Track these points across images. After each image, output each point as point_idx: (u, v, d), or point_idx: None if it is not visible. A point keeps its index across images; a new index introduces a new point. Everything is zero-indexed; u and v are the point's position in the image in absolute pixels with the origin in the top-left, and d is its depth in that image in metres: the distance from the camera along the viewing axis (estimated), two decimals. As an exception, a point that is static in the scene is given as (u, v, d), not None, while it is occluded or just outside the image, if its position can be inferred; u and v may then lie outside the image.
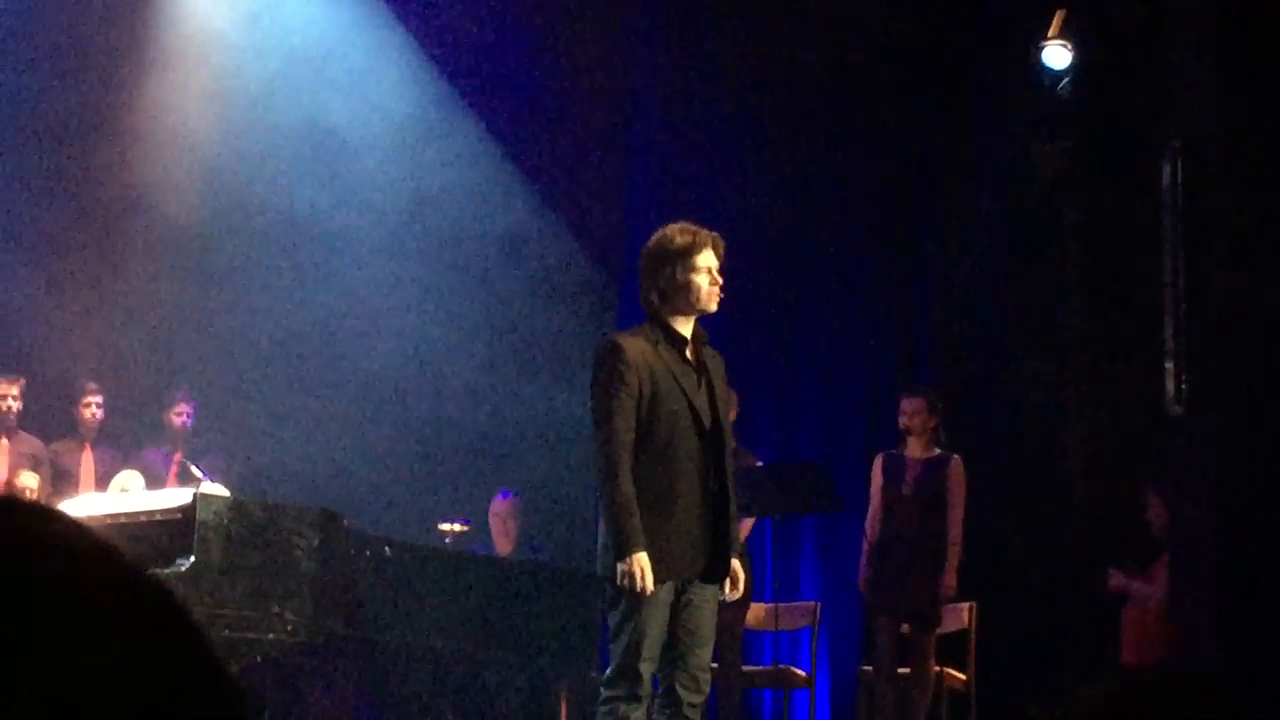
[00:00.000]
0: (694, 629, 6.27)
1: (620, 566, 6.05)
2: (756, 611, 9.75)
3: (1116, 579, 9.23)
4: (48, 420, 10.87)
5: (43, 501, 9.16)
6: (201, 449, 10.43)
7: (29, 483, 9.97)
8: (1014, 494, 10.02)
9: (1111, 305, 9.87)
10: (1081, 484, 9.97)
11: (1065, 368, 10.11)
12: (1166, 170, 7.92)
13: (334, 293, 11.61)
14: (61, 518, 0.92)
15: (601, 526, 6.22)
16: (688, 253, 6.28)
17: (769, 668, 9.75)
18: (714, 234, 6.36)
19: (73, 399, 10.74)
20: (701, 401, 6.30)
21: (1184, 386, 8.15)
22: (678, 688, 6.24)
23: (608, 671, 6.24)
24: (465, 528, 9.81)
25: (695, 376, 6.33)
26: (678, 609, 6.24)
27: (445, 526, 9.80)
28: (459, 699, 9.66)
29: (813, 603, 10.24)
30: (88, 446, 10.63)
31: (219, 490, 6.74)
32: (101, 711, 0.83)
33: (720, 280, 6.32)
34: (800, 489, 9.04)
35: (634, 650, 6.11)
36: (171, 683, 0.86)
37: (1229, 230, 7.99)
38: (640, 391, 6.20)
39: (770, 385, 11.52)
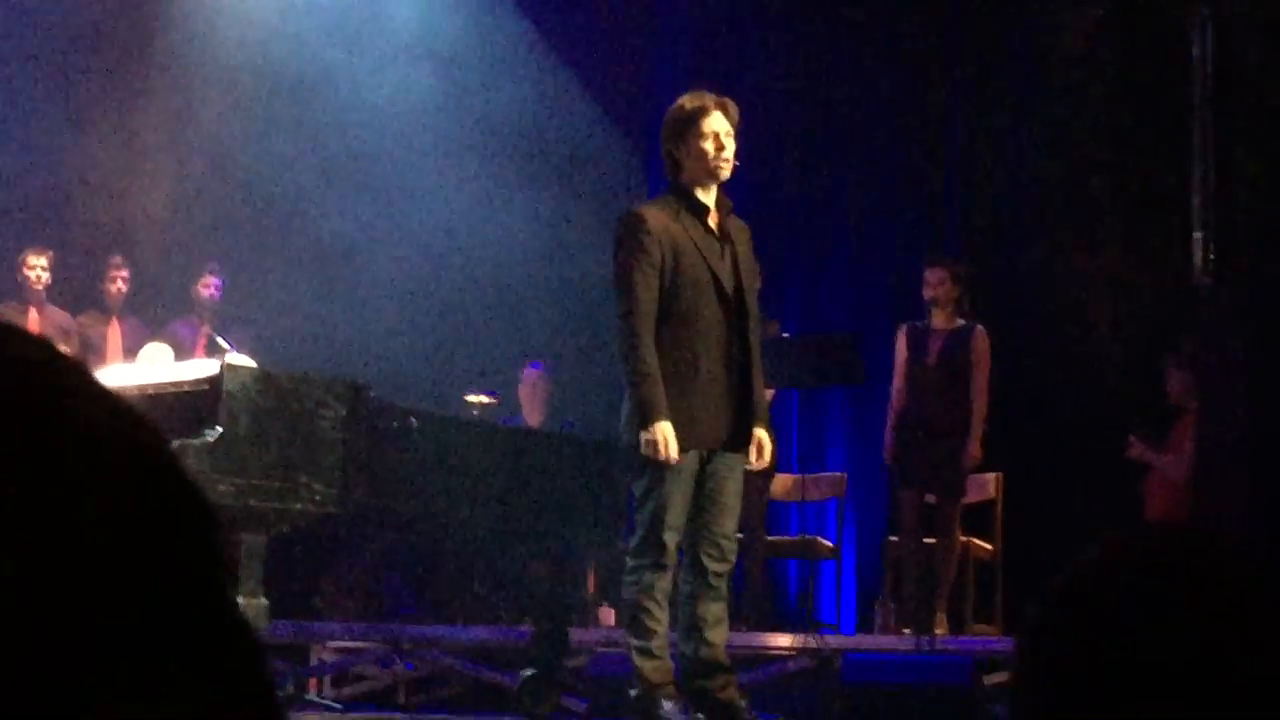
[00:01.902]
0: (719, 498, 6.29)
1: (644, 436, 6.07)
2: (783, 482, 9.78)
3: (1136, 448, 9.25)
4: (75, 293, 10.90)
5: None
6: (229, 322, 10.45)
7: (58, 355, 10.02)
8: (1040, 364, 10.01)
9: (1140, 176, 9.81)
10: (1108, 354, 9.95)
11: (1093, 238, 10.06)
12: (1196, 40, 7.84)
13: (362, 167, 11.58)
14: (91, 378, 0.92)
15: (626, 397, 6.23)
16: (696, 118, 6.26)
17: (795, 538, 9.80)
18: (724, 99, 6.32)
19: (99, 272, 10.76)
20: (725, 270, 6.29)
21: (1212, 256, 8.12)
22: (702, 556, 6.27)
23: (633, 541, 6.27)
24: (493, 400, 9.85)
25: (719, 245, 6.32)
26: (703, 478, 6.26)
27: (473, 398, 9.84)
28: (486, 570, 9.75)
29: (839, 474, 10.27)
30: (114, 319, 10.66)
31: (246, 361, 6.75)
32: (94, 556, 0.83)
33: (729, 146, 6.27)
34: (825, 361, 9.03)
35: (658, 519, 6.14)
36: (167, 541, 0.87)
37: (1258, 100, 7.92)
38: (662, 261, 6.19)
39: (798, 257, 11.50)
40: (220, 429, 6.02)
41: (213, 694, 0.86)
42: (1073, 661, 1.13)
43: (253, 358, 7.17)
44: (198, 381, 6.20)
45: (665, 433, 6.05)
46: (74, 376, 0.90)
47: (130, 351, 10.07)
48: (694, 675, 6.29)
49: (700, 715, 6.21)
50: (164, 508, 0.88)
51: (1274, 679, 1.08)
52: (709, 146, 6.26)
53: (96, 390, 0.90)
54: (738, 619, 9.07)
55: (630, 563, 6.27)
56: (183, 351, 9.63)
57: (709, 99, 6.33)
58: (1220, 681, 1.08)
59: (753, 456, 6.36)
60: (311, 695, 8.86)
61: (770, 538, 9.78)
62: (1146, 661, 1.09)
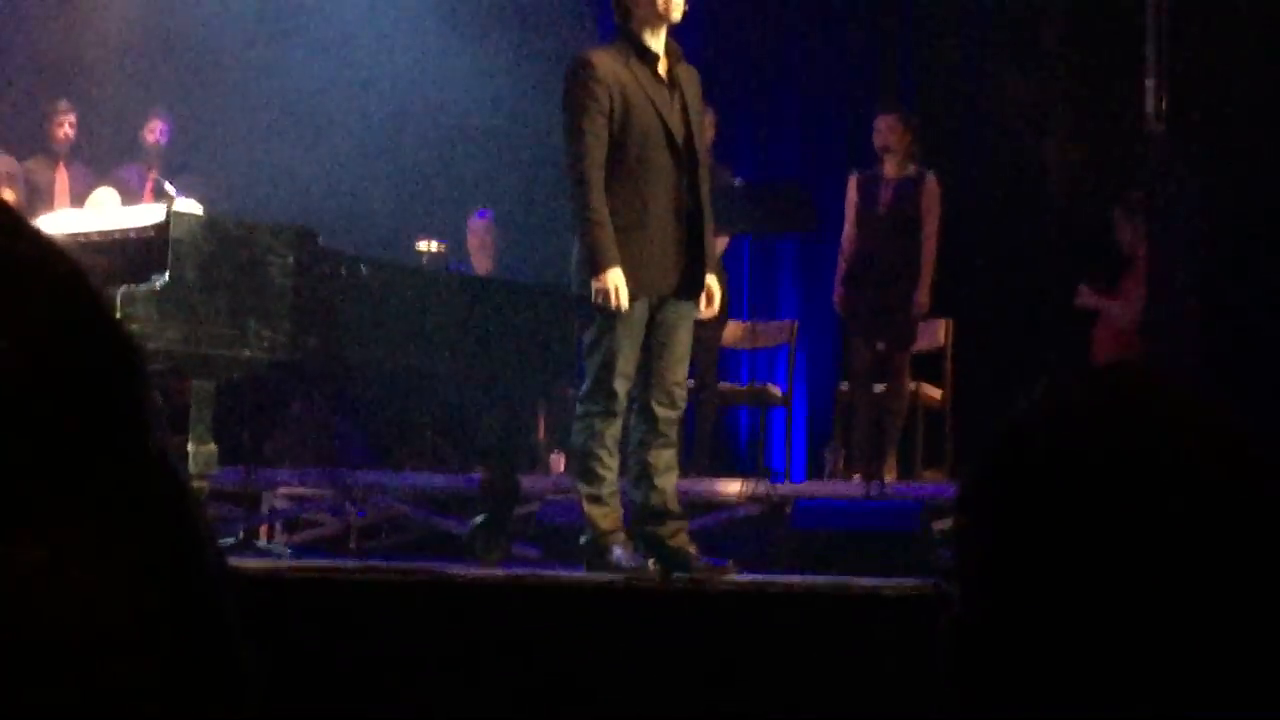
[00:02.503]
0: (669, 345, 6.30)
1: (594, 284, 6.07)
2: (734, 330, 9.79)
3: (1086, 296, 9.29)
4: (20, 138, 10.77)
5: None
6: (180, 170, 10.35)
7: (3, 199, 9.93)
8: (991, 212, 10.01)
9: (1093, 22, 9.76)
10: (1058, 201, 9.97)
11: (1045, 85, 10.03)
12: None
13: (311, 14, 11.44)
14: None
15: (575, 245, 6.21)
16: None
17: (746, 386, 9.84)
18: None
19: (45, 115, 10.63)
20: (674, 117, 6.26)
21: (1164, 103, 8.11)
22: (653, 403, 6.30)
23: (583, 388, 6.28)
24: (443, 247, 9.81)
25: (668, 92, 6.28)
26: (653, 325, 6.27)
27: (423, 245, 9.79)
28: (437, 416, 9.76)
29: (790, 322, 10.29)
30: (61, 164, 10.56)
31: (193, 207, 6.70)
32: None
33: None
34: (777, 208, 9.00)
35: (608, 367, 6.16)
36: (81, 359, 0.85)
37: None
38: (611, 107, 6.16)
39: (750, 104, 11.43)
40: (168, 275, 5.98)
41: (127, 532, 0.85)
42: (1015, 506, 1.13)
43: (203, 205, 7.11)
44: (144, 228, 6.16)
45: (615, 280, 6.05)
46: None
47: (78, 197, 9.99)
48: (644, 521, 6.33)
49: (650, 561, 6.25)
50: (80, 340, 0.86)
51: (1211, 517, 1.09)
52: (661, -11, 6.21)
53: (13, 223, 0.88)
54: (688, 466, 9.12)
55: (580, 410, 6.29)
56: (130, 196, 9.56)
57: (663, -58, 6.26)
58: (1159, 522, 1.08)
59: (703, 304, 6.37)
60: (261, 542, 8.90)
61: (721, 385, 9.80)
62: (1087, 503, 1.09)
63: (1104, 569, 1.08)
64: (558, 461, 9.64)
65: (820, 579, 5.93)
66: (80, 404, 0.85)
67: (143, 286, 5.93)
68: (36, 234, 0.89)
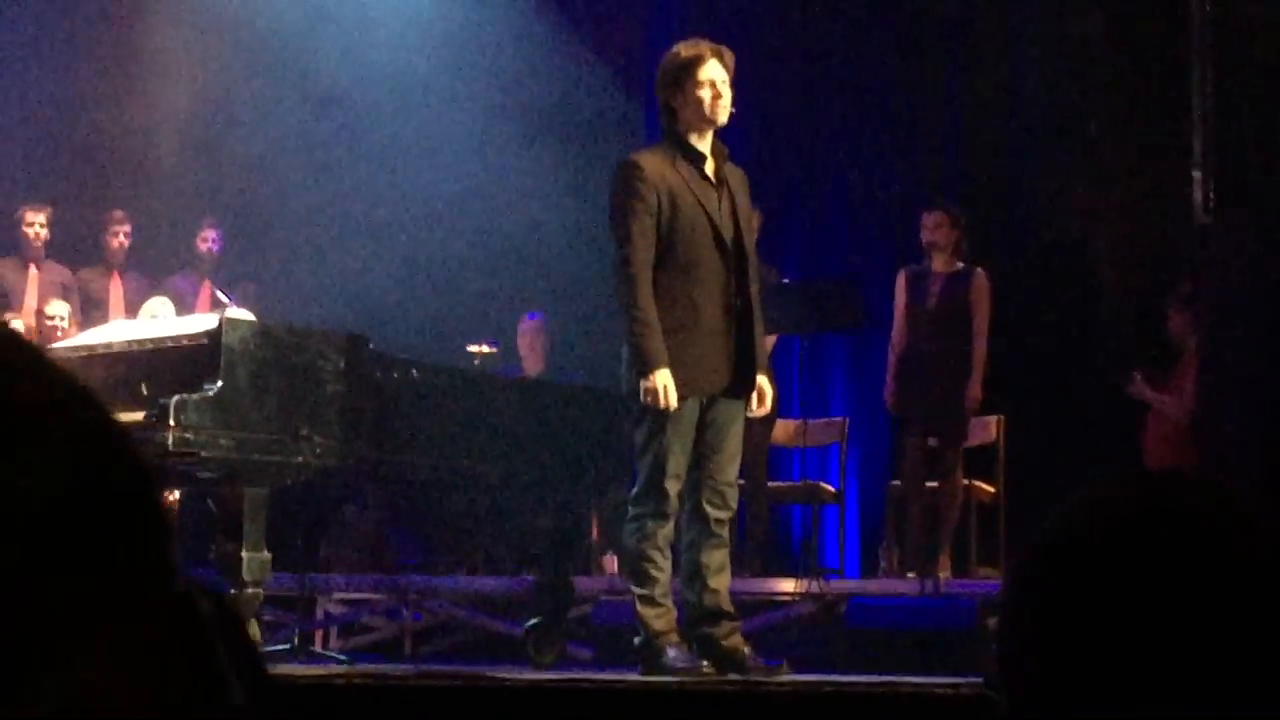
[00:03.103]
0: (719, 445, 6.30)
1: (643, 384, 6.08)
2: (785, 428, 9.79)
3: (1137, 387, 9.24)
4: (76, 248, 10.90)
5: (74, 331, 9.23)
6: (236, 278, 10.45)
7: (59, 311, 10.02)
8: (1041, 306, 10.01)
9: (1140, 114, 9.78)
10: (1109, 295, 9.95)
11: (1094, 178, 10.04)
12: (1195, -23, 7.83)
13: (361, 122, 11.56)
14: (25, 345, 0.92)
15: (625, 346, 6.23)
16: (692, 66, 6.26)
17: (798, 483, 9.81)
18: (719, 46, 6.33)
19: (101, 226, 10.76)
20: (722, 217, 6.29)
21: (1212, 195, 8.11)
22: (704, 504, 6.29)
23: (634, 490, 6.28)
24: (493, 349, 9.86)
25: (715, 192, 6.32)
26: (703, 426, 6.27)
27: (474, 348, 9.85)
28: (490, 520, 9.76)
29: (841, 419, 10.28)
30: (116, 274, 10.67)
31: (245, 315, 6.75)
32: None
33: (725, 93, 6.28)
34: (826, 306, 9.02)
35: (659, 468, 6.16)
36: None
37: (1258, 38, 7.90)
38: (659, 208, 6.19)
39: (798, 203, 11.48)
40: (220, 383, 6.02)
41: (146, 671, 0.86)
42: (1058, 606, 1.13)
43: (256, 313, 7.18)
44: (196, 336, 6.20)
45: (664, 381, 6.06)
46: (13, 352, 0.90)
47: (132, 306, 10.09)
48: (698, 622, 6.31)
49: (704, 662, 6.22)
50: (101, 481, 0.87)
51: (1256, 625, 1.08)
52: (705, 94, 6.26)
53: (35, 362, 0.90)
54: (741, 565, 9.10)
55: (632, 511, 6.28)
56: (183, 306, 9.65)
57: (705, 46, 6.33)
58: (1203, 627, 1.08)
59: (754, 404, 6.37)
60: (317, 647, 8.89)
61: (773, 483, 9.79)
62: (1131, 607, 1.09)
63: (1147, 677, 1.08)
64: (611, 562, 9.64)
65: (873, 679, 5.89)
66: (100, 544, 0.86)
67: (195, 395, 5.96)
68: (58, 373, 0.90)
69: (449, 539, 10.41)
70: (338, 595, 9.79)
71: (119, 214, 10.75)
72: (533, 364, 10.43)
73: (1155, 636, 1.08)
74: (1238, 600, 1.09)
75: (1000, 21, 10.76)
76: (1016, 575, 1.17)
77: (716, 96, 6.26)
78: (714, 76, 6.28)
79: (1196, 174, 8.15)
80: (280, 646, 8.02)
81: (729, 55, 6.35)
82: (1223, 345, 8.23)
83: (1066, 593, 1.12)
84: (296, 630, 8.54)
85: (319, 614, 9.75)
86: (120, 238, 10.69)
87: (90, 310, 10.34)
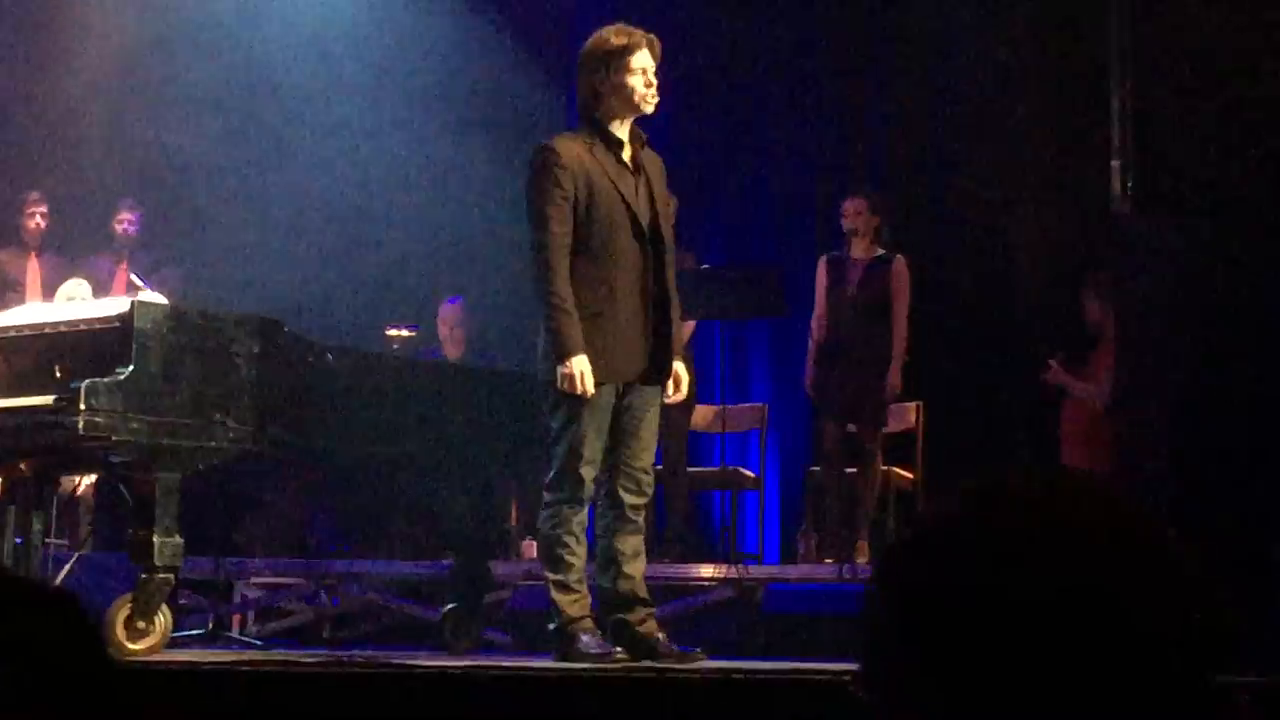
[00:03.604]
0: (636, 431, 6.29)
1: (560, 370, 6.07)
2: (705, 414, 9.79)
3: (1054, 373, 9.29)
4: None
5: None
6: (154, 262, 10.35)
7: (-26, 292, 9.93)
8: (960, 294, 10.04)
9: (1060, 104, 9.82)
10: (1027, 282, 10.00)
11: (1014, 166, 10.07)
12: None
13: (279, 105, 11.48)
14: None
15: (541, 331, 6.22)
16: (623, 54, 6.24)
17: (718, 469, 9.82)
18: (650, 35, 6.31)
19: (17, 207, 10.64)
20: (640, 204, 6.28)
21: (1130, 184, 8.16)
22: (620, 490, 6.28)
23: (549, 476, 6.27)
24: (414, 333, 9.83)
25: (633, 178, 6.30)
26: (619, 412, 6.26)
27: (393, 332, 9.81)
28: (409, 504, 9.74)
29: (761, 405, 10.29)
30: (33, 255, 10.56)
31: (157, 299, 6.70)
32: None
33: (655, 83, 6.27)
34: (747, 292, 9.03)
35: (575, 454, 6.15)
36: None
37: (1177, 29, 7.95)
38: (576, 194, 6.18)
39: (719, 189, 11.47)
40: (131, 366, 5.97)
41: None
42: (913, 602, 1.12)
43: (177, 298, 7.13)
44: (108, 319, 6.15)
45: (580, 367, 6.05)
46: None
47: (49, 288, 9.98)
48: (612, 608, 6.30)
49: (618, 648, 6.22)
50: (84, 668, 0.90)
51: (1108, 627, 1.08)
52: (637, 82, 6.25)
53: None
54: (661, 550, 9.11)
55: (546, 497, 6.27)
56: (100, 288, 9.55)
57: (638, 34, 6.31)
58: (1052, 627, 1.08)
59: (669, 390, 6.37)
60: (234, 632, 8.84)
61: (693, 469, 9.79)
62: (980, 601, 1.09)
63: (997, 669, 1.07)
64: (530, 548, 9.61)
65: (789, 665, 5.90)
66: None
67: (107, 379, 5.91)
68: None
69: (368, 523, 10.38)
70: (255, 579, 9.74)
71: (35, 194, 10.63)
72: (453, 349, 10.39)
73: (1003, 630, 1.08)
74: (1076, 597, 1.09)
75: (924, 10, 10.77)
76: (876, 572, 1.17)
77: (649, 84, 6.25)
78: (646, 65, 6.27)
79: (1115, 163, 8.21)
80: (195, 631, 7.98)
81: (658, 44, 6.34)
82: (1138, 332, 8.29)
83: (921, 588, 1.12)
84: (211, 615, 8.50)
85: (236, 598, 9.70)
86: (37, 219, 10.58)
87: (6, 292, 10.23)
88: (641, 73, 6.23)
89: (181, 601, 8.82)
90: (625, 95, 6.24)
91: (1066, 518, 1.11)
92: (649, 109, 6.29)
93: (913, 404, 9.64)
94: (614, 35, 6.30)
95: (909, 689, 1.12)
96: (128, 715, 0.97)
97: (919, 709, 1.11)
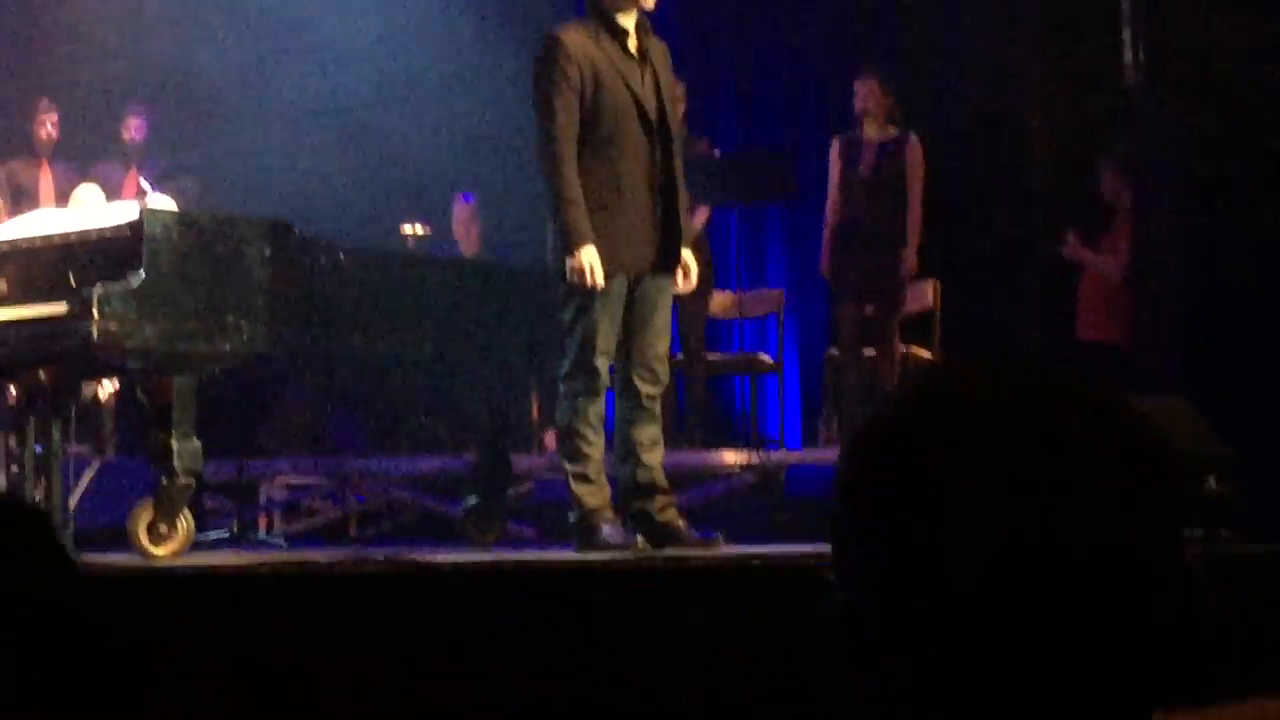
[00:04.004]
0: (648, 320, 6.29)
1: (569, 262, 6.06)
2: (722, 300, 9.79)
3: (1073, 248, 9.24)
4: (2, 138, 10.76)
5: (3, 219, 9.13)
6: (170, 169, 10.33)
7: (-12, 200, 9.92)
8: (974, 171, 9.97)
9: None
10: (1040, 157, 9.93)
11: (1023, 40, 9.98)
12: None
13: (283, 12, 11.39)
14: None
15: (550, 223, 6.20)
16: None
17: (736, 355, 9.82)
18: None
19: (27, 115, 10.62)
20: (646, 93, 6.24)
21: (1141, 54, 8.10)
22: (634, 379, 6.29)
23: (563, 367, 6.27)
24: (427, 230, 9.81)
25: (639, 68, 6.26)
26: (631, 301, 6.26)
27: (407, 229, 9.79)
28: (429, 400, 9.76)
29: (778, 290, 10.28)
30: (44, 163, 10.54)
31: (167, 203, 6.69)
32: None
33: None
34: (755, 177, 9.01)
35: (588, 345, 6.15)
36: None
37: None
38: (582, 85, 6.14)
39: (729, 73, 11.40)
40: (143, 273, 5.98)
41: None
42: (878, 502, 1.12)
43: (191, 203, 7.12)
44: (119, 227, 6.15)
45: (590, 258, 6.04)
46: None
47: (62, 195, 9.97)
48: (632, 497, 6.33)
49: (639, 537, 6.25)
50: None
51: (1055, 522, 1.08)
52: (641, -31, 6.20)
53: None
54: (681, 438, 9.14)
55: (562, 389, 6.28)
56: (111, 194, 9.54)
57: (639, -77, 6.25)
58: (1009, 524, 1.08)
59: (679, 279, 6.36)
60: (260, 533, 8.90)
61: (711, 356, 9.79)
62: (943, 492, 1.09)
63: (958, 566, 1.07)
64: (551, 440, 9.64)
65: (808, 548, 5.92)
66: None
67: (118, 285, 5.92)
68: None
69: (390, 420, 10.41)
70: (279, 480, 9.78)
71: (45, 102, 10.60)
72: (468, 246, 10.38)
73: (965, 526, 1.08)
74: (1023, 483, 1.08)
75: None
76: (842, 461, 1.17)
77: (652, -29, 6.21)
78: (649, -48, 6.23)
79: (1125, 34, 8.15)
80: (219, 534, 8.03)
81: (661, -69, 6.29)
82: (1155, 204, 8.26)
83: (884, 478, 1.12)
84: (235, 518, 8.54)
85: (261, 499, 9.75)
86: (48, 127, 10.55)
87: (20, 200, 10.22)
88: (644, -40, 6.19)
89: (205, 504, 8.87)
90: (631, -12, 6.20)
91: (1005, 408, 1.11)
92: (650, 4, 6.24)
93: (930, 283, 9.61)
94: (616, -76, 6.25)
95: (874, 578, 1.12)
96: (94, 626, 0.98)
97: (885, 595, 1.11)
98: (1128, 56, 8.20)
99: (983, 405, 1.10)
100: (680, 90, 8.79)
